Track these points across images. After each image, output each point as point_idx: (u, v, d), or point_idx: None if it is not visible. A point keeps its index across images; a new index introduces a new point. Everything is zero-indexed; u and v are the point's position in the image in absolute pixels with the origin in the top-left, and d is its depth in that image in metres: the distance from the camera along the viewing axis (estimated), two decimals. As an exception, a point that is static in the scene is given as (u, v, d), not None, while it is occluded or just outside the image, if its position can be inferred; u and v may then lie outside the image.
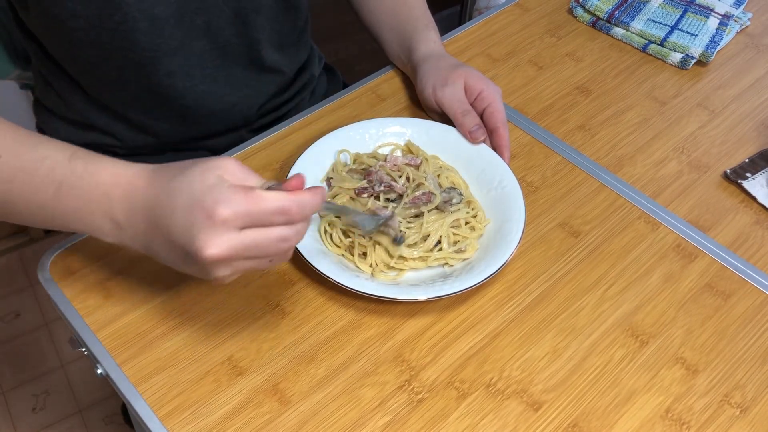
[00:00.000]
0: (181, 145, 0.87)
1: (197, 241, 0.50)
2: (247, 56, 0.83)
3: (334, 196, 0.73)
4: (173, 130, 0.85)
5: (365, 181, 0.73)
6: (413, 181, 0.73)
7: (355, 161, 0.77)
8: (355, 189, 0.73)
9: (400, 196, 0.73)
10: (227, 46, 0.80)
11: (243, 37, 0.80)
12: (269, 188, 0.52)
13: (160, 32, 0.74)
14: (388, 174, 0.74)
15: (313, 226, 0.72)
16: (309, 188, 0.53)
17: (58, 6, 0.69)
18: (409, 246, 0.69)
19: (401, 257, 0.69)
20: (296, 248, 0.66)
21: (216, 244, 0.50)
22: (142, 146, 0.86)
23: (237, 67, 0.83)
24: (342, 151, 0.77)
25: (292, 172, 0.74)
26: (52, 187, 0.56)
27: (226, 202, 0.49)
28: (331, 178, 0.75)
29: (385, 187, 0.72)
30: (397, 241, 0.67)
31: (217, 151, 0.82)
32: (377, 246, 0.69)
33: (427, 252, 0.70)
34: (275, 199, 0.51)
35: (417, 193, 0.72)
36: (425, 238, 0.69)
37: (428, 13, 0.91)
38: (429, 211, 0.71)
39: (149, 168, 0.55)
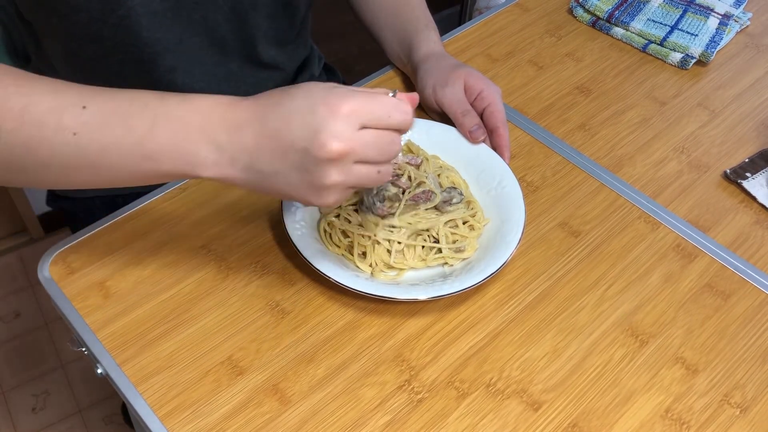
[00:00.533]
0: None
1: (321, 135, 0.50)
2: (244, 52, 0.83)
3: None
4: None
5: None
6: (414, 180, 0.73)
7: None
8: None
9: (403, 192, 0.73)
10: (224, 42, 0.80)
11: (240, 33, 0.81)
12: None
13: (159, 27, 0.74)
14: (403, 152, 0.74)
15: (313, 226, 0.72)
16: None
17: (60, 1, 0.69)
18: (406, 244, 0.69)
19: (401, 257, 0.69)
20: (296, 248, 0.66)
21: (340, 137, 0.50)
22: None
23: (234, 63, 0.83)
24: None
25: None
26: (147, 121, 0.53)
27: (351, 98, 0.51)
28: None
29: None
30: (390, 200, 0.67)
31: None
32: (377, 246, 0.69)
33: (426, 252, 0.70)
34: (394, 99, 0.53)
35: (417, 191, 0.72)
36: (419, 233, 0.69)
37: (428, 13, 0.91)
38: (426, 210, 0.71)
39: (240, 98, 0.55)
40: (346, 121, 0.51)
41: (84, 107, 0.53)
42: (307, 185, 0.53)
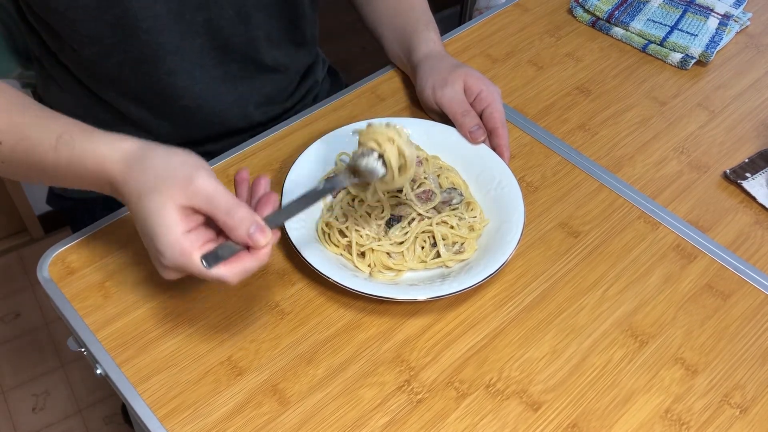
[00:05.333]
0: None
1: (151, 255, 0.58)
2: (246, 54, 0.83)
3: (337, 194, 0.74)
4: (175, 132, 0.85)
5: None
6: (415, 180, 0.74)
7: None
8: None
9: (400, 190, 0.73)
10: (227, 44, 0.80)
11: (242, 35, 0.80)
12: (215, 253, 0.55)
13: (160, 29, 0.74)
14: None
15: (312, 226, 0.72)
16: (250, 253, 0.56)
17: None
18: (400, 243, 0.69)
19: (400, 257, 0.69)
20: (296, 248, 0.66)
21: (165, 275, 0.57)
22: None
23: (235, 64, 0.83)
24: (342, 154, 0.77)
25: (292, 172, 0.74)
26: (50, 168, 0.61)
27: (169, 258, 0.55)
28: (332, 177, 0.76)
29: None
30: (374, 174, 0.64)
31: (218, 154, 0.82)
32: (377, 244, 0.69)
33: (425, 254, 0.70)
34: (213, 274, 0.55)
35: (418, 191, 0.72)
36: (414, 237, 0.69)
37: (429, 13, 0.91)
38: (427, 210, 0.71)
39: (124, 164, 0.57)
40: (169, 270, 0.56)
41: (0, 143, 0.61)
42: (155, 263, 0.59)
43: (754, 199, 0.79)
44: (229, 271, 0.55)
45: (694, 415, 0.62)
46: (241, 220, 0.54)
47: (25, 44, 0.88)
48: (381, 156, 0.63)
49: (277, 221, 0.58)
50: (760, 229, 0.77)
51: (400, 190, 0.73)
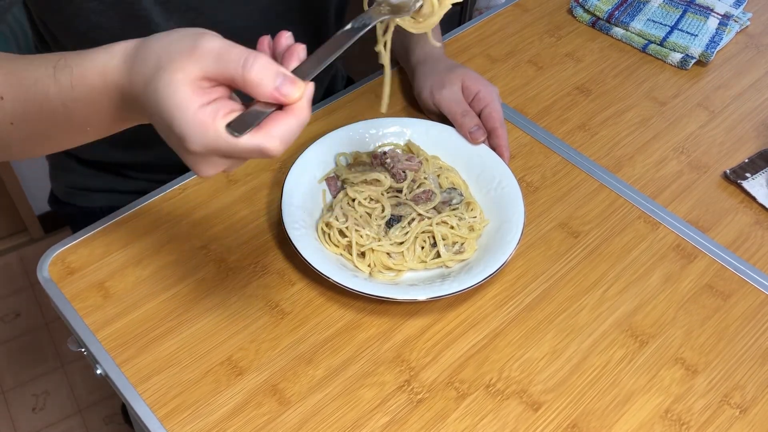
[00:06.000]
0: None
1: (180, 155, 0.49)
2: None
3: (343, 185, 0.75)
4: None
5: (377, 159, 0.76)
6: (415, 180, 0.74)
7: (355, 159, 0.77)
8: (372, 153, 0.76)
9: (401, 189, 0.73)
10: None
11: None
12: (242, 120, 0.46)
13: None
14: (403, 152, 0.76)
15: (312, 226, 0.72)
16: (287, 108, 0.46)
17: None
18: (400, 243, 0.69)
19: (400, 257, 0.69)
20: (296, 248, 0.66)
21: (198, 169, 0.49)
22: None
23: None
24: (341, 154, 0.77)
25: (292, 172, 0.74)
26: (58, 106, 0.54)
27: (193, 138, 0.46)
28: (332, 176, 0.76)
29: (399, 170, 0.73)
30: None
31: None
32: (377, 244, 0.69)
33: (425, 254, 0.70)
34: (248, 143, 0.46)
35: (418, 191, 0.72)
36: (414, 237, 0.69)
37: None
38: (427, 211, 0.71)
39: (125, 63, 0.50)
40: (197, 156, 0.47)
41: (1, 98, 0.54)
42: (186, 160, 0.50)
43: (754, 199, 0.79)
44: (266, 135, 0.45)
45: (694, 416, 0.62)
46: (263, 69, 0.45)
47: (35, 39, 0.87)
48: None
49: (307, 72, 0.48)
50: (760, 229, 0.77)
51: (401, 190, 0.73)
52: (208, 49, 0.46)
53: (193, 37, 0.46)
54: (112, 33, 0.69)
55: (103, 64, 0.51)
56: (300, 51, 0.49)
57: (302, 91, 0.46)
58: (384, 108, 0.62)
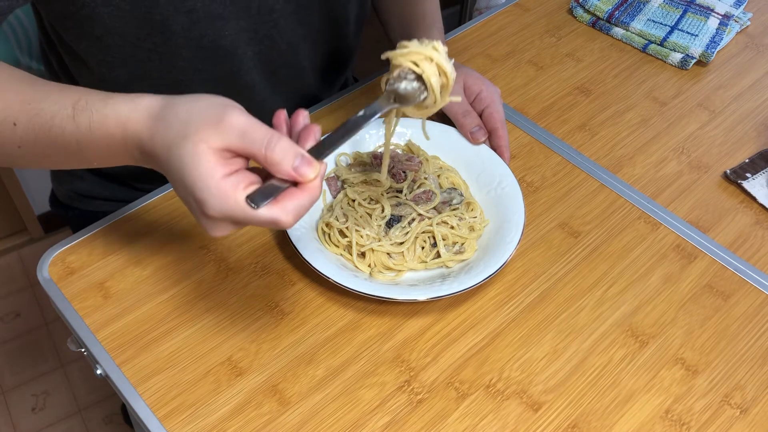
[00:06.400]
0: None
1: (195, 215, 0.52)
2: (291, 85, 0.84)
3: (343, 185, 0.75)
4: None
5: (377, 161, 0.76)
6: (415, 180, 0.74)
7: (355, 159, 0.77)
8: (372, 153, 0.76)
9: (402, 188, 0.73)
10: (274, 75, 0.81)
11: (291, 68, 0.81)
12: (261, 192, 0.50)
13: (202, 60, 0.73)
14: (403, 152, 0.76)
15: (312, 227, 0.72)
16: (299, 188, 0.50)
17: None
18: (400, 244, 0.69)
19: (400, 257, 0.69)
20: (296, 248, 0.66)
21: (212, 230, 0.52)
22: None
23: (279, 97, 0.84)
24: (341, 154, 0.77)
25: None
26: (72, 142, 0.56)
27: (213, 205, 0.49)
28: (332, 176, 0.76)
29: (399, 170, 0.73)
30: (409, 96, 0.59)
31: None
32: (377, 244, 0.69)
33: (425, 254, 0.70)
34: (264, 216, 0.49)
35: (418, 191, 0.72)
36: (415, 237, 0.69)
37: (438, 12, 0.89)
38: (427, 211, 0.71)
39: (148, 119, 0.52)
40: (213, 221, 0.51)
41: (15, 124, 0.56)
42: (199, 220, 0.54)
43: (754, 199, 0.79)
44: (281, 209, 0.49)
45: (694, 416, 0.62)
46: (284, 152, 0.49)
47: (42, 41, 0.86)
48: (419, 77, 0.58)
49: (321, 153, 0.52)
50: (761, 229, 0.77)
51: (401, 191, 0.73)
52: (233, 125, 0.49)
53: (220, 108, 0.49)
54: (126, 38, 0.69)
55: (126, 115, 0.53)
56: (316, 132, 0.53)
57: (317, 171, 0.50)
58: (383, 178, 0.71)
